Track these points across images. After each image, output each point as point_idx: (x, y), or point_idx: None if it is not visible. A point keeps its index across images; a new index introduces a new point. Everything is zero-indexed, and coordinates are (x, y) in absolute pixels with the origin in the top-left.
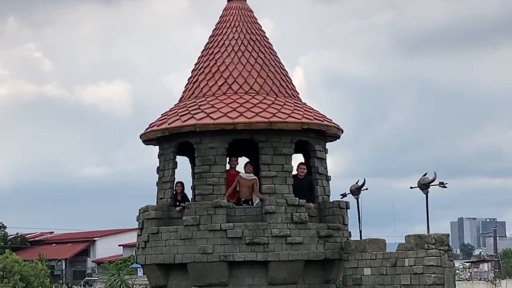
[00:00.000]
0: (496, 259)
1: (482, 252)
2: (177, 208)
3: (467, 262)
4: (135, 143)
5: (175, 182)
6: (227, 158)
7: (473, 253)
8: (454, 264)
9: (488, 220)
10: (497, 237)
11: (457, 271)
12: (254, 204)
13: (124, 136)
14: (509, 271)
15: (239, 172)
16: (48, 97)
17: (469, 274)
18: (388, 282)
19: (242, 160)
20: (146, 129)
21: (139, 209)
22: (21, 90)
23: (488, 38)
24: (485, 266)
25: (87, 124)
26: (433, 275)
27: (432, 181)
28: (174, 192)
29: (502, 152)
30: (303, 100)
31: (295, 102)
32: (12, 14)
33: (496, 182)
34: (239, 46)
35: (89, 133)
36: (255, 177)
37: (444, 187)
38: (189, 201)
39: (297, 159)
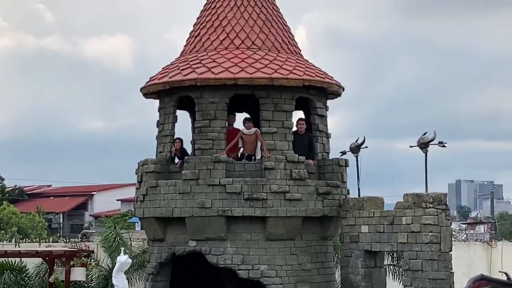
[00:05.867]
0: (492, 221)
1: (478, 214)
2: (176, 162)
3: (463, 223)
4: (135, 98)
5: (174, 137)
6: None
7: (470, 215)
8: (451, 223)
9: (485, 182)
10: (494, 200)
11: (454, 233)
12: (256, 159)
13: (125, 91)
14: (504, 233)
15: (236, 129)
16: (49, 50)
17: (465, 235)
18: (385, 240)
19: (241, 116)
20: (147, 82)
21: (138, 163)
22: (22, 42)
23: None
24: (481, 228)
25: (88, 77)
26: (430, 234)
27: (432, 140)
28: (174, 149)
29: (502, 114)
30: (305, 58)
31: (297, 59)
32: None
33: (494, 144)
34: (242, 1)
35: (89, 87)
36: (256, 128)
37: (444, 146)
38: (188, 156)
39: (298, 116)
